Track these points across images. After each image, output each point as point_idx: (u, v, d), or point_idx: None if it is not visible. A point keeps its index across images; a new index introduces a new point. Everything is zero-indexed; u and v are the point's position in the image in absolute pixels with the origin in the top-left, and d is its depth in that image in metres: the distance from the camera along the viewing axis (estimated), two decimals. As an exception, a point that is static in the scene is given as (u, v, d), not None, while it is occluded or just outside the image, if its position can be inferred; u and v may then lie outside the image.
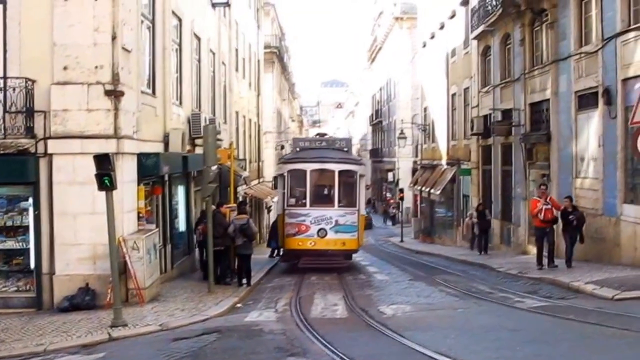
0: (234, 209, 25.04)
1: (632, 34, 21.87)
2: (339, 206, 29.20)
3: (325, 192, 30.45)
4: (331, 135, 56.27)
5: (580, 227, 23.31)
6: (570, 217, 23.15)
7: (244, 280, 23.34)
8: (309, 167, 29.49)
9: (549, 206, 23.68)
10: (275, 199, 41.78)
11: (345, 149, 32.95)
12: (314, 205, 29.12)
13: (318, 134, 38.37)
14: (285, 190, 30.10)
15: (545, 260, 23.81)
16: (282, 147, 63.21)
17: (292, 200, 29.99)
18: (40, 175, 18.28)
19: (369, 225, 59.09)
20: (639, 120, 17.86)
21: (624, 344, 11.72)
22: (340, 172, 29.54)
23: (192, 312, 17.64)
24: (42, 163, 18.25)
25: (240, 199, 35.51)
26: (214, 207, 23.06)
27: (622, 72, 22.41)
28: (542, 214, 23.54)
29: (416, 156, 67.03)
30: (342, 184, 29.74)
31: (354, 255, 32.25)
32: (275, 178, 38.54)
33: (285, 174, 30.28)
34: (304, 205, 29.25)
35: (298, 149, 32.92)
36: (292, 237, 28.98)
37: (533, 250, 30.36)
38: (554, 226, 24.13)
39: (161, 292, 20.47)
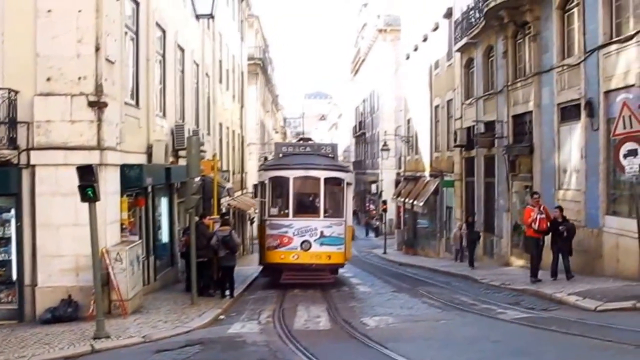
0: (217, 221, 24.98)
1: (614, 47, 22.01)
2: (324, 216, 27.11)
3: (310, 201, 28.51)
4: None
5: (571, 238, 22.54)
6: (561, 227, 22.43)
7: (227, 292, 23.28)
8: (292, 174, 27.47)
9: (543, 215, 22.81)
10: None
11: (331, 155, 30.84)
12: (298, 215, 27.07)
13: (302, 139, 36.34)
14: (267, 199, 28.07)
15: (536, 272, 23.03)
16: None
17: (274, 210, 28.14)
18: (23, 186, 18.17)
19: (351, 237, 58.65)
20: (621, 133, 17.97)
21: (607, 355, 11.76)
22: (326, 179, 27.53)
23: (175, 324, 17.58)
24: (25, 174, 18.15)
25: (224, 210, 35.24)
26: (197, 218, 23.00)
27: (604, 84, 22.55)
28: (537, 223, 22.75)
29: (399, 168, 67.08)
30: (328, 193, 27.85)
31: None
32: (255, 186, 35.57)
33: (267, 182, 28.20)
34: (287, 215, 27.27)
35: (281, 155, 30.46)
36: (273, 250, 26.82)
37: (516, 261, 30.55)
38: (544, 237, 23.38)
39: (144, 303, 20.38)
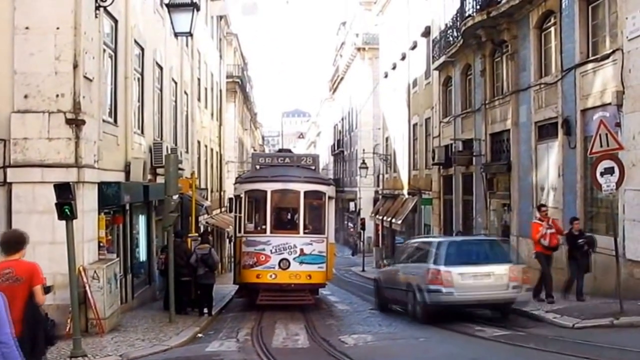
0: (195, 239, 24.87)
1: (590, 66, 22.21)
2: (304, 233, 25.51)
3: (289, 216, 27.25)
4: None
5: (591, 253, 20.70)
6: (580, 241, 20.50)
7: (205, 310, 23.16)
8: (270, 187, 25.71)
9: (553, 230, 21.23)
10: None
11: (313, 167, 28.78)
12: (276, 231, 25.36)
13: (281, 150, 35.07)
14: (243, 214, 26.30)
15: (551, 291, 21.04)
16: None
17: (250, 226, 26.46)
18: (-1, 204, 18.06)
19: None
20: (597, 151, 18.06)
21: (585, 373, 11.81)
22: (307, 193, 25.85)
23: (152, 342, 17.45)
24: (1, 192, 17.94)
25: (202, 228, 35.08)
26: (174, 237, 22.89)
27: (581, 102, 22.74)
28: (548, 239, 20.97)
29: (378, 186, 67.27)
30: (309, 207, 26.44)
31: None
32: (231, 200, 34.09)
33: (242, 195, 26.40)
34: (264, 231, 25.47)
35: (258, 167, 28.78)
36: (249, 269, 25.14)
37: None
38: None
39: (121, 322, 20.22)
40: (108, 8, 19.80)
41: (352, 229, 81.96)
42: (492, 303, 20.42)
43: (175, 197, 21.66)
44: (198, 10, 21.45)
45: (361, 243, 66.77)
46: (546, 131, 26.03)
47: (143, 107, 25.65)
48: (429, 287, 19.75)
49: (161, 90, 28.96)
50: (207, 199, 40.94)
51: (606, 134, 17.79)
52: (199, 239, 25.27)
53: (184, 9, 20.95)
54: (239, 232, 26.69)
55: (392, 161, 57.48)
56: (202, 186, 40.66)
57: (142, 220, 26.29)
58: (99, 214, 19.68)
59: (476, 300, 19.94)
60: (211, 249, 23.54)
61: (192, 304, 23.71)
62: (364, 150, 68.20)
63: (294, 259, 24.87)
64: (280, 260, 24.82)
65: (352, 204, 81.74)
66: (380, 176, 64.40)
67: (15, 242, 10.13)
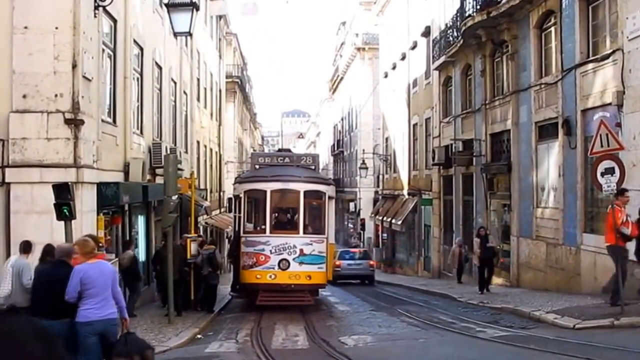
0: (194, 239, 24.81)
1: (590, 66, 22.14)
2: (304, 233, 25.18)
3: (289, 216, 27.11)
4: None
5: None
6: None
7: (204, 307, 23.80)
8: (269, 187, 25.38)
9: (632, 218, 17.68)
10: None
11: (313, 167, 28.67)
12: (275, 231, 25.14)
13: (280, 150, 34.78)
14: (242, 214, 26.06)
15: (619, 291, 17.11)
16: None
17: (250, 226, 26.35)
18: (-3, 204, 18.00)
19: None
20: (598, 151, 17.97)
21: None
22: (307, 192, 25.57)
23: (151, 343, 17.35)
24: (0, 192, 17.97)
25: (201, 229, 34.98)
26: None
27: (581, 102, 22.66)
28: (630, 228, 17.25)
29: (378, 186, 67.16)
30: (309, 207, 26.25)
31: None
32: (230, 200, 33.76)
33: (242, 195, 26.14)
34: (263, 231, 25.20)
35: (257, 167, 28.49)
36: (248, 270, 24.87)
37: (495, 280, 30.41)
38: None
39: (120, 323, 20.16)
40: (107, 8, 19.75)
41: (352, 230, 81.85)
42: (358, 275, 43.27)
43: (175, 197, 21.58)
44: (197, 10, 21.40)
45: (361, 244, 66.70)
46: (546, 131, 25.97)
47: (142, 107, 25.59)
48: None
49: (160, 90, 28.90)
50: (206, 199, 40.88)
51: (607, 134, 17.70)
52: (199, 239, 25.35)
53: (183, 9, 20.89)
54: (239, 232, 26.43)
55: (392, 161, 57.40)
56: (202, 186, 40.60)
57: (141, 220, 26.24)
58: (98, 214, 19.57)
59: (352, 274, 42.68)
60: (215, 250, 23.64)
61: (201, 303, 24.08)
62: (363, 150, 68.11)
63: (293, 259, 24.61)
64: (280, 261, 24.57)
65: (352, 205, 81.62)
66: (380, 176, 64.31)
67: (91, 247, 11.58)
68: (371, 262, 45.50)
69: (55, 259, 11.88)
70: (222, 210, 52.27)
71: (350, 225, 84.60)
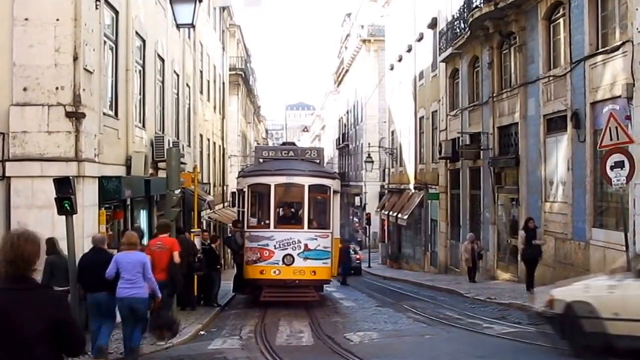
0: (197, 234, 24.60)
1: (599, 57, 21.90)
2: (309, 228, 24.86)
3: (293, 210, 26.45)
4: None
5: None
6: None
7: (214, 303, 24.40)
8: (273, 180, 25.17)
9: None
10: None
11: (317, 161, 28.14)
12: (279, 226, 24.84)
13: (285, 143, 34.64)
14: (245, 209, 25.90)
15: None
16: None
17: (253, 221, 26.11)
18: (-2, 198, 17.77)
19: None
20: (607, 144, 17.77)
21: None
22: (311, 186, 25.21)
23: (154, 340, 17.19)
24: (0, 186, 17.73)
25: (205, 223, 34.76)
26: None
27: (590, 95, 22.42)
28: None
29: (383, 180, 66.90)
30: (313, 201, 25.94)
31: None
32: (233, 194, 33.17)
33: (245, 189, 25.98)
34: (267, 226, 24.96)
35: (261, 160, 28.13)
36: (252, 265, 24.61)
37: (502, 275, 30.23)
38: None
39: (123, 319, 19.97)
40: (109, -1, 19.51)
41: (357, 224, 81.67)
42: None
43: (177, 191, 21.32)
44: (200, 1, 21.10)
45: (367, 239, 66.52)
46: (555, 124, 25.73)
47: (144, 100, 25.35)
48: None
49: (163, 82, 28.64)
50: (209, 193, 40.65)
51: (616, 127, 17.50)
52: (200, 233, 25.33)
53: (186, 0, 20.62)
54: (242, 226, 26.17)
55: (398, 155, 57.13)
56: (205, 180, 40.34)
57: (143, 215, 25.97)
58: (100, 208, 19.37)
59: None
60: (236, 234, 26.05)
61: (215, 298, 24.74)
62: (369, 144, 67.91)
63: (298, 254, 24.26)
64: (284, 256, 24.22)
65: (357, 199, 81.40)
66: (386, 170, 64.04)
67: (165, 225, 18.21)
68: (357, 257, 51.66)
69: (94, 247, 15.13)
70: (226, 204, 52.05)
71: (356, 220, 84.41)
